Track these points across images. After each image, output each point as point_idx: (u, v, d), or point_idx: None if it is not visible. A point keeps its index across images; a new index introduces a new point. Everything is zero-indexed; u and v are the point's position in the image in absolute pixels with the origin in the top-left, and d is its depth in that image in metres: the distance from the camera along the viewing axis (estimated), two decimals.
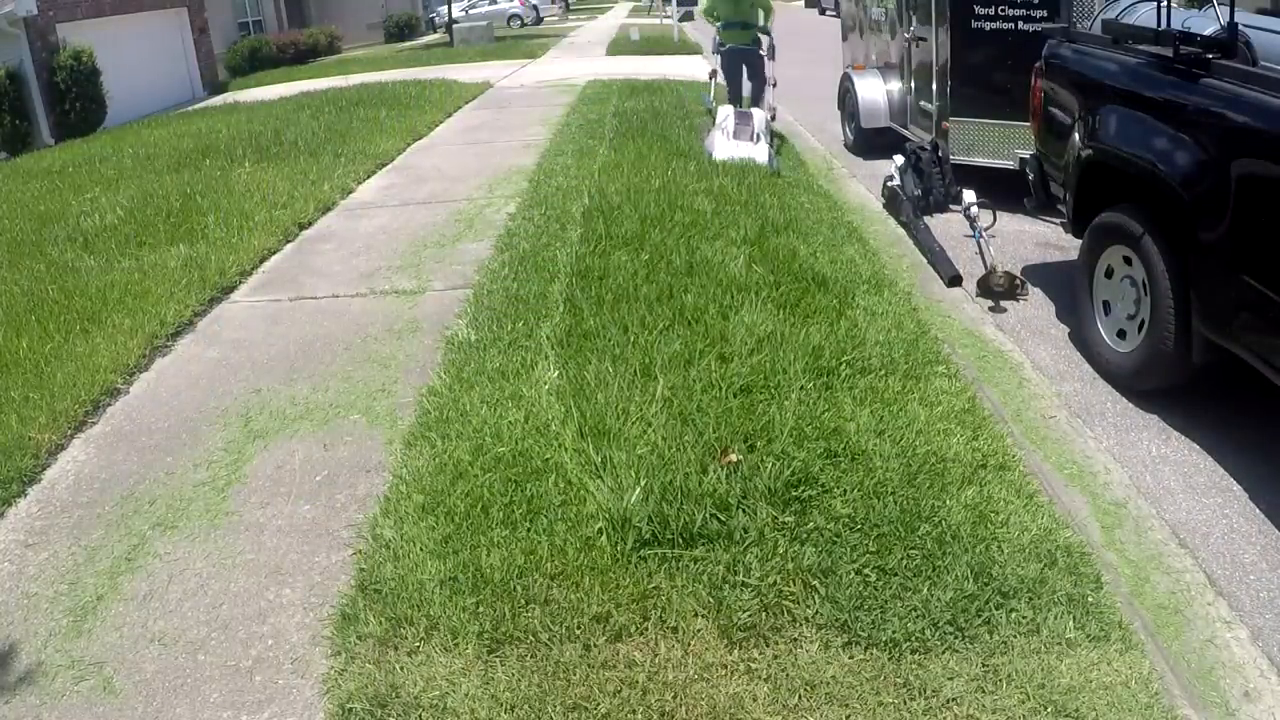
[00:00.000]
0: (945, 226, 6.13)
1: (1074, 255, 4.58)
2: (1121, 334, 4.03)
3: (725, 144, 7.50)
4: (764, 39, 8.37)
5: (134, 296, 5.18)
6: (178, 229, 6.53)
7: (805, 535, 2.75)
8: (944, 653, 2.36)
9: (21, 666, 2.54)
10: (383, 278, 5.50)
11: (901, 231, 6.18)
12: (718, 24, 8.41)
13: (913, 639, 2.38)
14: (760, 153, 7.38)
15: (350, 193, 7.76)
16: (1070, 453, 3.44)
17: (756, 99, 8.54)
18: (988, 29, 6.45)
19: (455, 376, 3.91)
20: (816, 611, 2.49)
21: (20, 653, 2.59)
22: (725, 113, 7.90)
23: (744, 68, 8.51)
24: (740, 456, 3.08)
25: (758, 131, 7.62)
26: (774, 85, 8.49)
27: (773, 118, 8.25)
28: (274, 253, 6.15)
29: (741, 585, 2.58)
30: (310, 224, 6.80)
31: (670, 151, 7.84)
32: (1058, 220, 5.00)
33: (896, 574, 2.59)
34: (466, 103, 12.84)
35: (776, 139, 8.34)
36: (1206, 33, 3.56)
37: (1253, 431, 3.57)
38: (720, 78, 8.57)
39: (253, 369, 4.35)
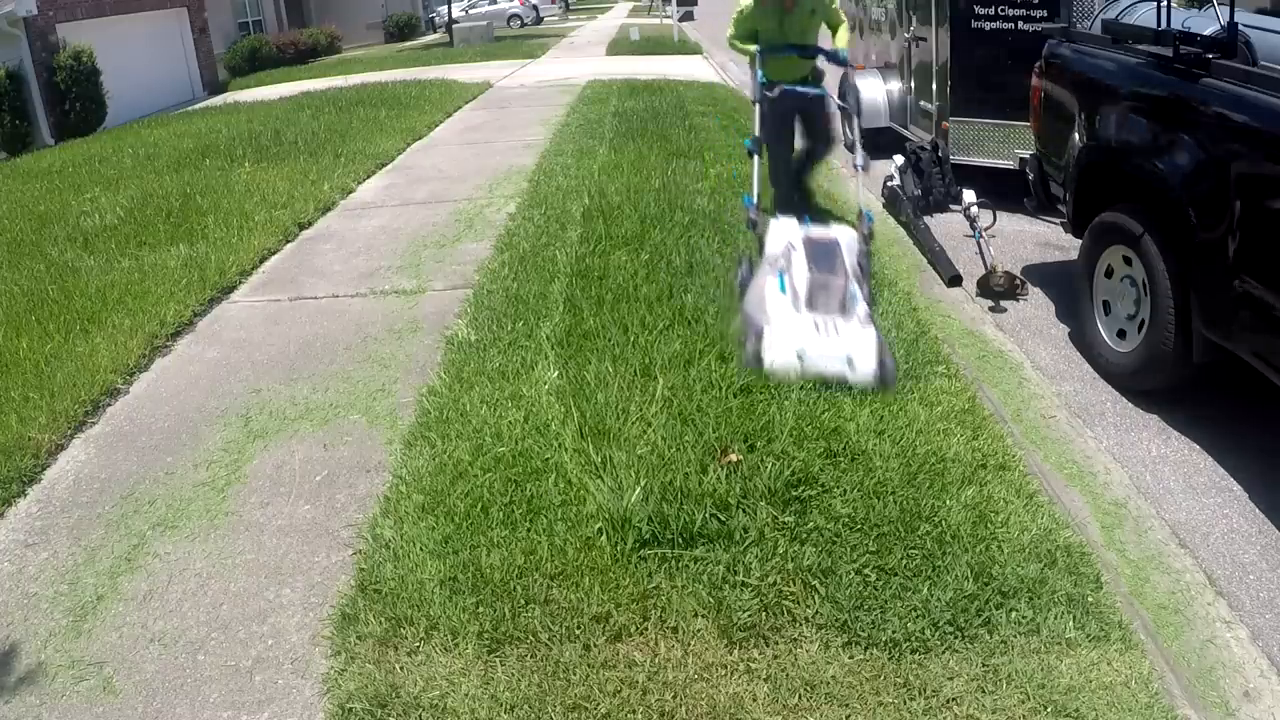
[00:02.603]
0: (945, 226, 6.13)
1: (1074, 255, 4.58)
2: (1121, 334, 4.03)
3: (791, 323, 3.71)
4: (835, 73, 5.09)
5: (134, 296, 5.18)
6: (178, 229, 6.53)
7: (805, 535, 2.75)
8: (944, 653, 2.36)
9: (21, 666, 2.54)
10: (383, 278, 5.50)
11: (901, 231, 6.17)
12: (755, 50, 5.13)
13: (913, 639, 2.39)
14: (864, 347, 3.59)
15: (350, 193, 7.75)
16: (1070, 453, 3.44)
17: (803, 169, 5.39)
18: (988, 29, 6.45)
19: (455, 376, 3.91)
20: (816, 611, 2.49)
21: (20, 653, 2.59)
22: (782, 237, 4.08)
23: (797, 122, 5.37)
24: (740, 456, 3.08)
25: (851, 283, 3.85)
26: (864, 168, 4.88)
27: (869, 234, 4.38)
28: (274, 253, 6.15)
29: (741, 585, 2.58)
30: (310, 224, 6.80)
31: (670, 151, 7.84)
32: (1058, 220, 5.01)
33: (896, 574, 2.59)
34: (466, 103, 12.83)
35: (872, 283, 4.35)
36: (1206, 33, 3.56)
37: (1253, 431, 3.57)
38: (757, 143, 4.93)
39: (253, 369, 4.35)
